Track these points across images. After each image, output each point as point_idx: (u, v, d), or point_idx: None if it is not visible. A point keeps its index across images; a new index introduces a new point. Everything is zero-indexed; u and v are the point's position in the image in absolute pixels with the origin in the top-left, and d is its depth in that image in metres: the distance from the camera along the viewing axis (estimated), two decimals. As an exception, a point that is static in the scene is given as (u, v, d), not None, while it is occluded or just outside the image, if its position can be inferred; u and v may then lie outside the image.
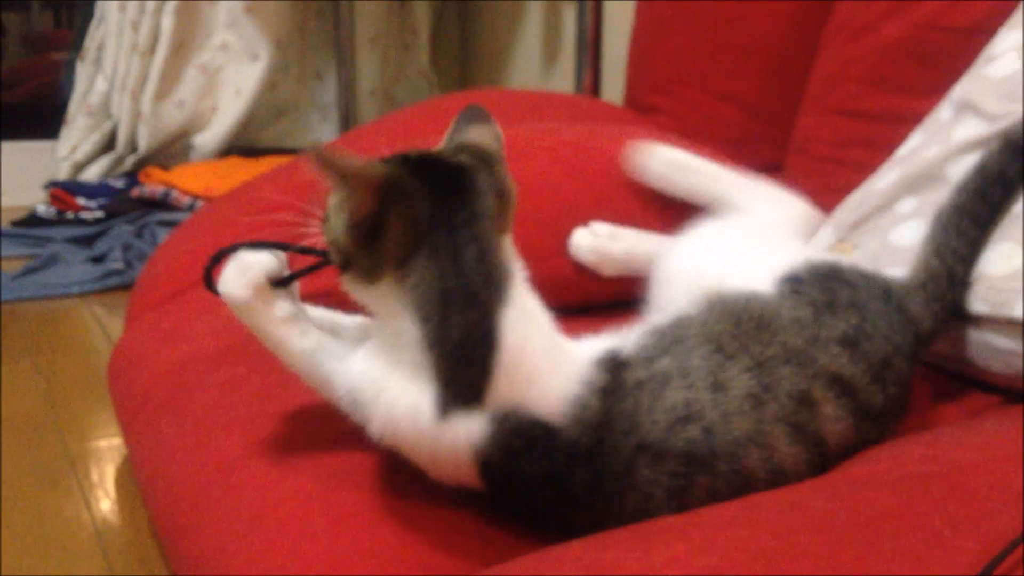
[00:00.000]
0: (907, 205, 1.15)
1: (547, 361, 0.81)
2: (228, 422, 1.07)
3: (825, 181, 1.43)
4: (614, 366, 0.83)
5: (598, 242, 1.20)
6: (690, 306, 0.90)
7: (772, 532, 0.68)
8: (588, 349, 0.85)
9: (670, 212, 1.21)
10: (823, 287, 0.90)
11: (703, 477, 0.79)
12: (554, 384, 0.80)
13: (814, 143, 1.53)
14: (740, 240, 1.07)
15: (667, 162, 1.23)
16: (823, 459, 0.83)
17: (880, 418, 0.87)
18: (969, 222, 1.00)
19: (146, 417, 1.22)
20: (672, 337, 0.86)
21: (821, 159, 1.50)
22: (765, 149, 1.66)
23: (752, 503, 0.75)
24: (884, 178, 1.21)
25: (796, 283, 0.90)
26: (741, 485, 0.80)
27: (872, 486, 0.75)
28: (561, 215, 1.22)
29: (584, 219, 1.25)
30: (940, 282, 0.97)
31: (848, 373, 0.84)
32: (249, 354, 1.22)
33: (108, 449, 1.52)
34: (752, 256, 1.00)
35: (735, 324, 0.86)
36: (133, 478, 1.20)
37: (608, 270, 1.20)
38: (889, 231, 1.14)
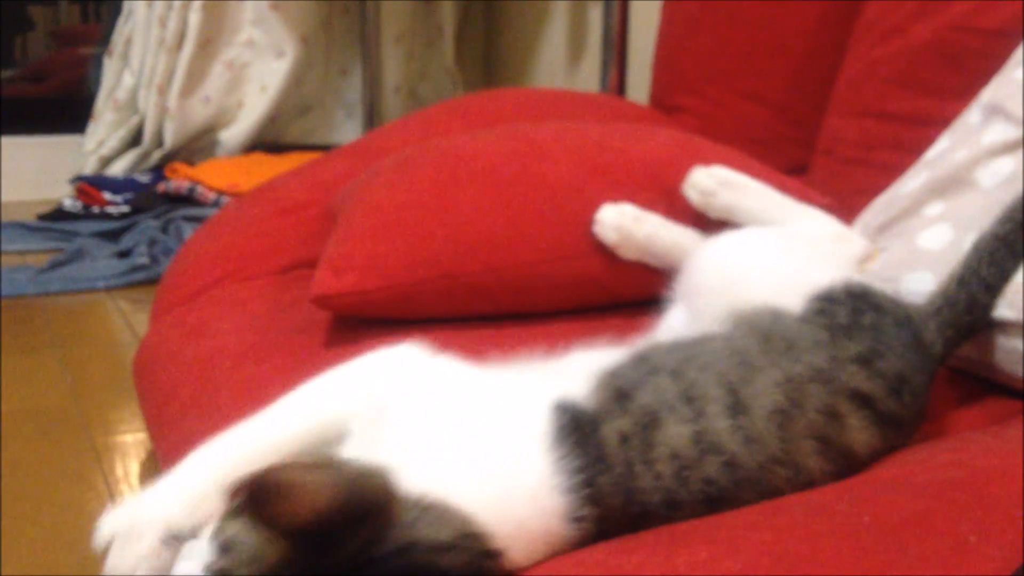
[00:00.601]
0: (934, 209, 1.14)
1: None
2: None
3: (851, 183, 1.43)
4: (582, 423, 0.78)
5: (622, 221, 1.19)
6: (711, 314, 0.90)
7: (797, 536, 0.68)
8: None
9: (699, 217, 1.20)
10: (852, 309, 0.90)
11: (726, 508, 0.77)
12: None
13: (841, 144, 1.52)
14: (779, 251, 1.06)
15: (714, 178, 1.20)
16: (851, 468, 0.83)
17: (900, 427, 0.87)
18: (1006, 252, 0.98)
19: (172, 413, 1.23)
20: (678, 357, 0.84)
21: (848, 161, 1.49)
22: (791, 150, 1.66)
23: (776, 507, 0.75)
24: (911, 181, 1.20)
25: (828, 303, 0.90)
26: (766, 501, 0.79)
27: (897, 491, 0.75)
28: (585, 215, 1.22)
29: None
30: (957, 308, 0.97)
31: (866, 388, 0.84)
32: (274, 352, 1.23)
33: (133, 444, 1.53)
34: (789, 270, 0.99)
35: (762, 340, 0.85)
36: (159, 473, 1.21)
37: (627, 253, 1.20)
38: (916, 235, 1.13)
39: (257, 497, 0.69)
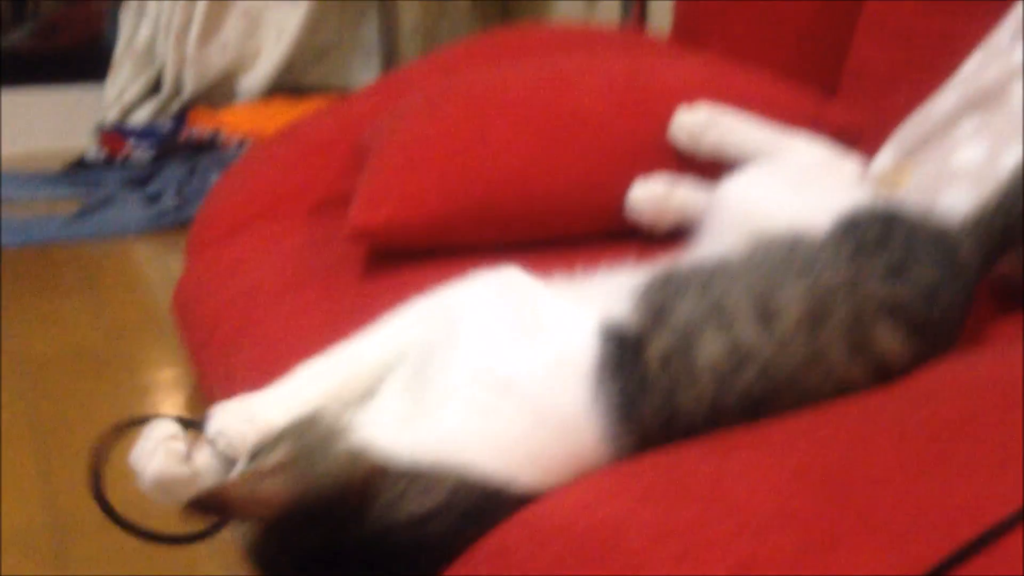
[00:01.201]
0: (968, 125, 1.14)
1: None
2: (296, 349, 1.08)
3: (881, 105, 1.42)
4: (627, 347, 0.80)
5: (655, 199, 1.20)
6: (736, 241, 0.91)
7: (846, 440, 0.70)
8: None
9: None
10: (881, 227, 0.90)
11: (766, 413, 0.79)
12: None
13: (870, 67, 1.51)
14: (794, 181, 1.07)
15: (699, 116, 1.20)
16: (886, 375, 0.84)
17: (934, 338, 0.87)
18: None
19: (215, 347, 1.25)
20: (703, 274, 0.86)
21: (877, 83, 1.49)
22: (819, 75, 1.65)
23: (822, 413, 0.76)
24: (944, 99, 1.20)
25: (855, 222, 0.91)
26: (804, 406, 0.81)
27: (942, 396, 0.76)
28: (613, 144, 1.23)
29: (634, 154, 1.25)
30: (995, 225, 0.97)
31: (895, 298, 0.85)
32: (313, 283, 1.25)
33: (174, 380, 1.56)
34: (808, 197, 1.00)
35: (785, 258, 0.87)
36: (204, 406, 1.23)
37: (665, 227, 1.21)
38: (950, 153, 1.13)
39: (213, 511, 0.74)
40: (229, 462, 0.84)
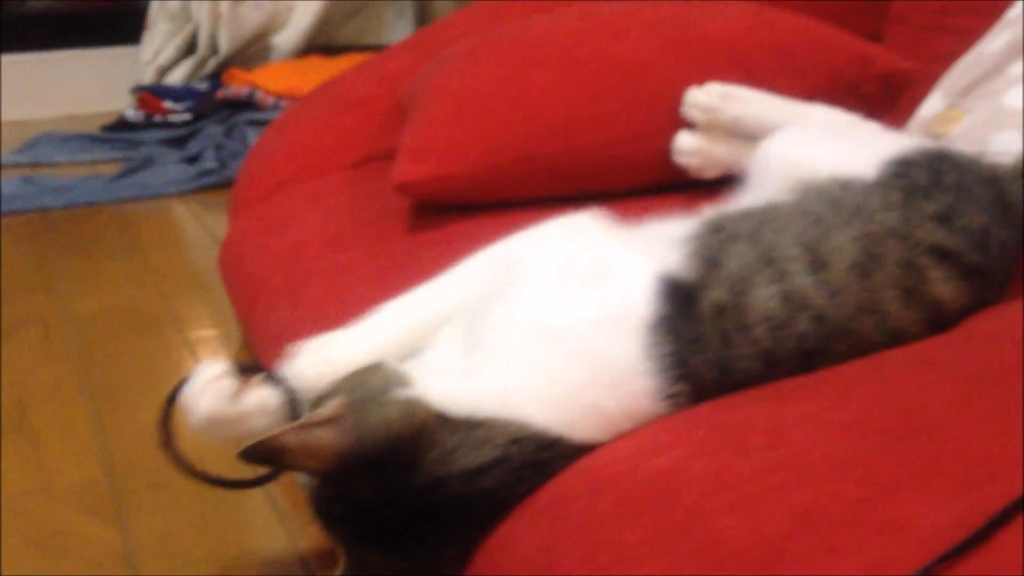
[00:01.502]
0: (1019, 67, 1.12)
1: None
2: (344, 304, 1.09)
3: (928, 50, 1.40)
4: (682, 299, 0.79)
5: (701, 147, 1.18)
6: (781, 193, 0.90)
7: (904, 387, 0.69)
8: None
9: (771, 91, 1.19)
10: (931, 170, 0.89)
11: (822, 363, 0.79)
12: None
13: (915, 11, 1.49)
14: (838, 133, 1.06)
15: (714, 94, 1.18)
16: (940, 320, 0.83)
17: (987, 282, 0.86)
18: None
19: (264, 303, 1.26)
20: (751, 223, 0.85)
21: (923, 28, 1.46)
22: (865, 21, 1.62)
23: (880, 360, 0.76)
24: (993, 42, 1.18)
25: (904, 166, 0.90)
26: (859, 354, 0.80)
27: (999, 341, 0.75)
28: (659, 94, 1.21)
29: (680, 102, 1.23)
30: None
31: (946, 243, 0.84)
32: (357, 240, 1.26)
33: (221, 336, 1.57)
34: (855, 142, 0.99)
35: (833, 204, 0.86)
36: (252, 361, 1.24)
37: (711, 174, 1.19)
38: (1002, 94, 1.11)
39: (266, 459, 0.75)
40: (296, 405, 0.85)
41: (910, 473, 0.60)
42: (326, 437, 0.74)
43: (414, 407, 0.75)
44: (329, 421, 0.75)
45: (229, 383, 0.87)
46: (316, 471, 0.78)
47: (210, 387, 0.86)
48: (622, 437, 0.75)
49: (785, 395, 0.72)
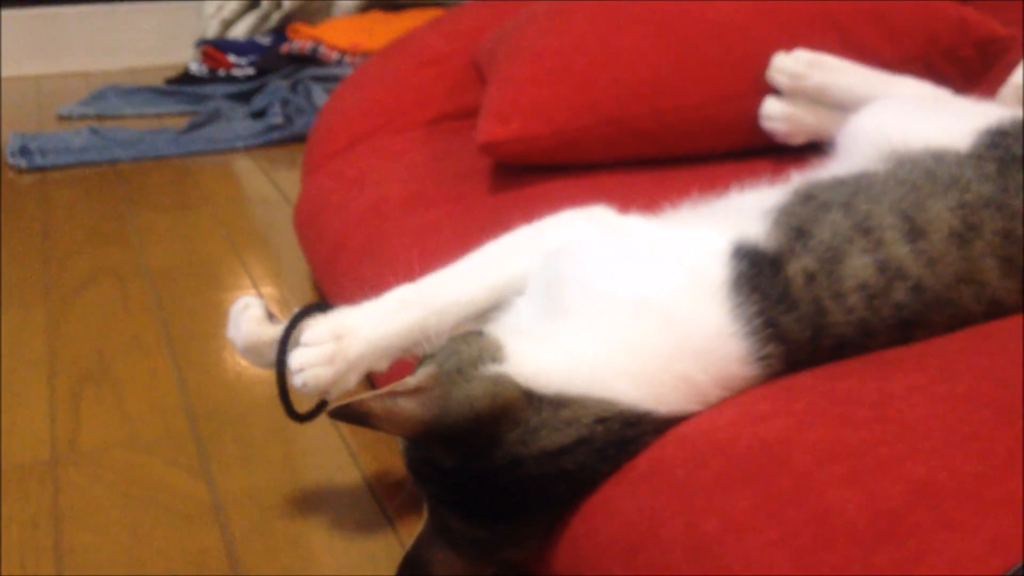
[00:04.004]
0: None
1: None
2: (429, 262, 1.09)
3: (1021, 15, 1.37)
4: (764, 265, 0.79)
5: (788, 111, 1.17)
6: (872, 163, 0.89)
7: (1013, 360, 0.68)
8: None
9: (866, 55, 1.17)
10: None
11: (919, 333, 0.78)
12: None
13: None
14: (932, 100, 1.04)
15: (801, 61, 1.16)
16: None
17: None
18: None
19: (344, 261, 1.26)
20: (845, 192, 0.84)
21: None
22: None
23: (984, 332, 0.75)
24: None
25: (999, 136, 0.88)
26: (958, 324, 0.79)
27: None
28: (750, 55, 1.20)
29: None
30: None
31: None
32: (440, 199, 1.25)
33: (293, 291, 1.58)
34: (948, 114, 0.98)
35: (927, 175, 0.84)
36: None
37: (798, 140, 1.18)
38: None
39: (354, 420, 0.75)
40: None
41: (1028, 449, 0.59)
42: (409, 408, 0.75)
43: (499, 385, 0.75)
44: (415, 392, 0.75)
45: (259, 310, 0.95)
46: (401, 436, 0.79)
47: (243, 316, 0.95)
48: (717, 407, 0.75)
49: (890, 366, 0.72)
